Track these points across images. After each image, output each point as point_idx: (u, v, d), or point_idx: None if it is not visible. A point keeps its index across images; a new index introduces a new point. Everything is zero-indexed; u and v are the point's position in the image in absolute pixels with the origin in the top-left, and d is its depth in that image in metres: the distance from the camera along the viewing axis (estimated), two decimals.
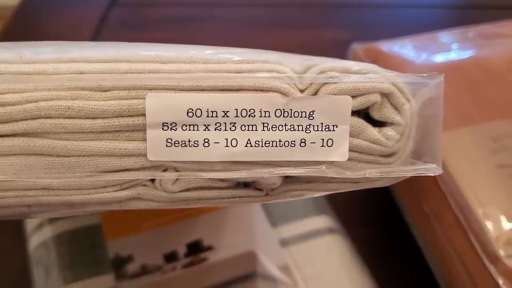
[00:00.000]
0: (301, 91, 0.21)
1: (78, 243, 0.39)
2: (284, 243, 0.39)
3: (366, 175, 0.21)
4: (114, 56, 0.20)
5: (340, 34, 0.63)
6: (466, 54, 0.45)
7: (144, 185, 0.21)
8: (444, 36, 0.47)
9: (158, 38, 0.65)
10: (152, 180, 0.21)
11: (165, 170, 0.21)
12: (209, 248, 0.38)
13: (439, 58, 0.45)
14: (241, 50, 0.22)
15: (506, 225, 0.33)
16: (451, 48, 0.46)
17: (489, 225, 0.33)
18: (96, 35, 0.65)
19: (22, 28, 0.68)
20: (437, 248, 0.37)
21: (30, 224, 0.41)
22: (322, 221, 0.41)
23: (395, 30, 0.51)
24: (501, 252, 0.32)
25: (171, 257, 0.38)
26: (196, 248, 0.38)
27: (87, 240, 0.39)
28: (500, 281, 0.31)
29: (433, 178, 0.37)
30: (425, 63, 0.44)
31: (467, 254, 0.34)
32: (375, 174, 0.21)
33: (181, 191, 0.21)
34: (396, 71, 0.43)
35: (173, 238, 0.39)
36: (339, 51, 0.50)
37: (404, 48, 0.46)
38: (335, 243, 0.39)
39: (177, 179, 0.21)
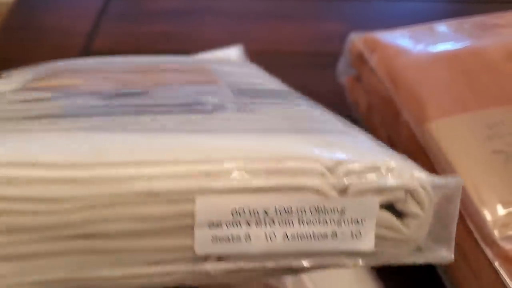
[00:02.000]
0: (333, 187, 0.22)
1: None
2: None
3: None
4: (163, 157, 0.22)
5: (340, 26, 0.62)
6: (463, 44, 0.45)
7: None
8: (441, 26, 0.48)
9: (157, 31, 0.64)
10: None
11: (207, 259, 0.23)
12: None
13: (436, 48, 0.45)
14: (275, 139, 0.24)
15: (501, 209, 0.34)
16: (448, 38, 0.46)
17: (485, 210, 0.34)
18: (96, 28, 0.64)
19: (21, 22, 0.66)
20: None
21: None
22: None
23: (394, 23, 0.50)
24: (497, 234, 0.33)
25: None
26: None
27: None
28: (496, 263, 0.32)
29: (432, 165, 0.37)
30: (422, 52, 0.44)
31: (464, 239, 0.35)
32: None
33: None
34: (393, 60, 0.44)
35: None
36: (338, 43, 0.50)
37: (401, 38, 0.46)
38: None
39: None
